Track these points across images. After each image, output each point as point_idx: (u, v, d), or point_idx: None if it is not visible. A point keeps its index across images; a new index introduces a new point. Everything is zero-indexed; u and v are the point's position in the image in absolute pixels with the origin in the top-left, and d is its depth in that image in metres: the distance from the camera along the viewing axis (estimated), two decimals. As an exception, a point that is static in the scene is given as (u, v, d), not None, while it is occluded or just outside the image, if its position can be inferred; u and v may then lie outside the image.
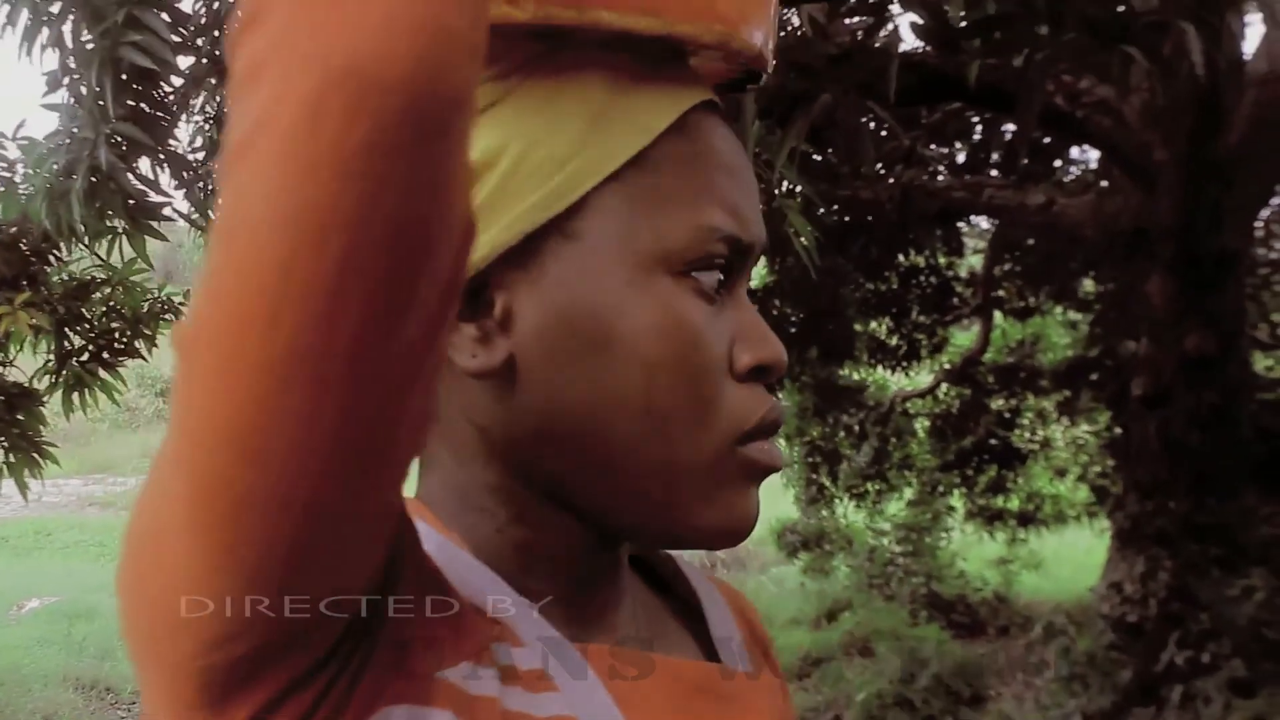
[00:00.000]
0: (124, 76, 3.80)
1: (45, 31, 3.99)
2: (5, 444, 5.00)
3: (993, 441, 10.11)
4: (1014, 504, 10.58)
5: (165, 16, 3.62)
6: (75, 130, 4.07)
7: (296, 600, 0.56)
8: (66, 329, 5.21)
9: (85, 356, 5.22)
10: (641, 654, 0.77)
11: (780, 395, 8.64)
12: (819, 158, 5.94)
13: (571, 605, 0.76)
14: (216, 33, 3.93)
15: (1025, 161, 7.44)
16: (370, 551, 0.59)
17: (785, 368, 0.75)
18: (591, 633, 0.76)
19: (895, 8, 3.47)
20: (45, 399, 5.21)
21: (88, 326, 5.31)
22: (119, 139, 3.93)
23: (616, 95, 0.71)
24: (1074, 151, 8.17)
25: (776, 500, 11.70)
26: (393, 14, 0.49)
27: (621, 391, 0.70)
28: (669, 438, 0.71)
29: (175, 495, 0.54)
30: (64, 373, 5.16)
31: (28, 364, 5.33)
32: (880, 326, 9.31)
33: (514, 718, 0.68)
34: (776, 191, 3.62)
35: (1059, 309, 9.89)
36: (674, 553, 0.92)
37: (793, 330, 7.88)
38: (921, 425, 10.67)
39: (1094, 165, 8.16)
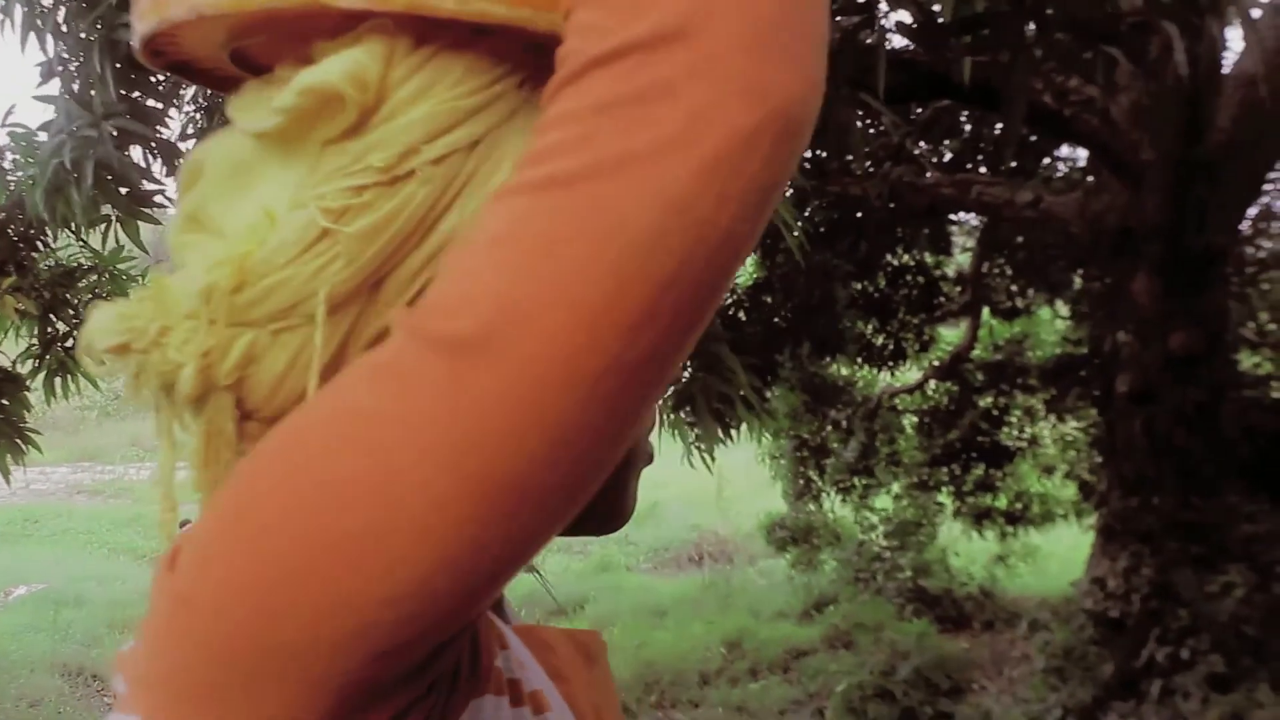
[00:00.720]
0: (118, 65, 3.82)
1: (39, 23, 4.01)
2: (-11, 429, 5.02)
3: (980, 439, 10.14)
4: (1002, 503, 10.61)
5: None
6: (74, 125, 4.07)
7: (480, 603, 0.59)
8: (52, 314, 5.22)
9: (69, 342, 5.24)
10: (547, 628, 0.85)
11: (772, 390, 8.66)
12: (808, 153, 5.96)
13: None
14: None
15: (1014, 163, 7.46)
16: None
17: None
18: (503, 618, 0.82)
19: (883, 5, 3.49)
20: (30, 385, 5.23)
21: (72, 313, 5.32)
22: (120, 130, 3.96)
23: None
24: (1062, 149, 8.20)
25: (765, 494, 11.73)
26: (813, 74, 0.56)
27: None
28: None
29: (435, 490, 0.54)
30: (47, 358, 5.17)
31: (10, 350, 5.35)
32: (867, 326, 9.33)
33: (530, 698, 0.74)
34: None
35: (1046, 307, 9.91)
36: None
37: (783, 326, 7.90)
38: (909, 422, 10.69)
39: (1082, 163, 8.19)
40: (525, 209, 0.55)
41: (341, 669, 0.56)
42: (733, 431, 4.13)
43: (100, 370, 0.68)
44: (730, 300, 7.21)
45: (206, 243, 0.68)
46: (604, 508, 0.77)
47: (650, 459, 0.83)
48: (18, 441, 4.98)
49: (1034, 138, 7.52)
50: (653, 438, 0.85)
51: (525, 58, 0.68)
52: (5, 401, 5.07)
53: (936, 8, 3.05)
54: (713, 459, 4.13)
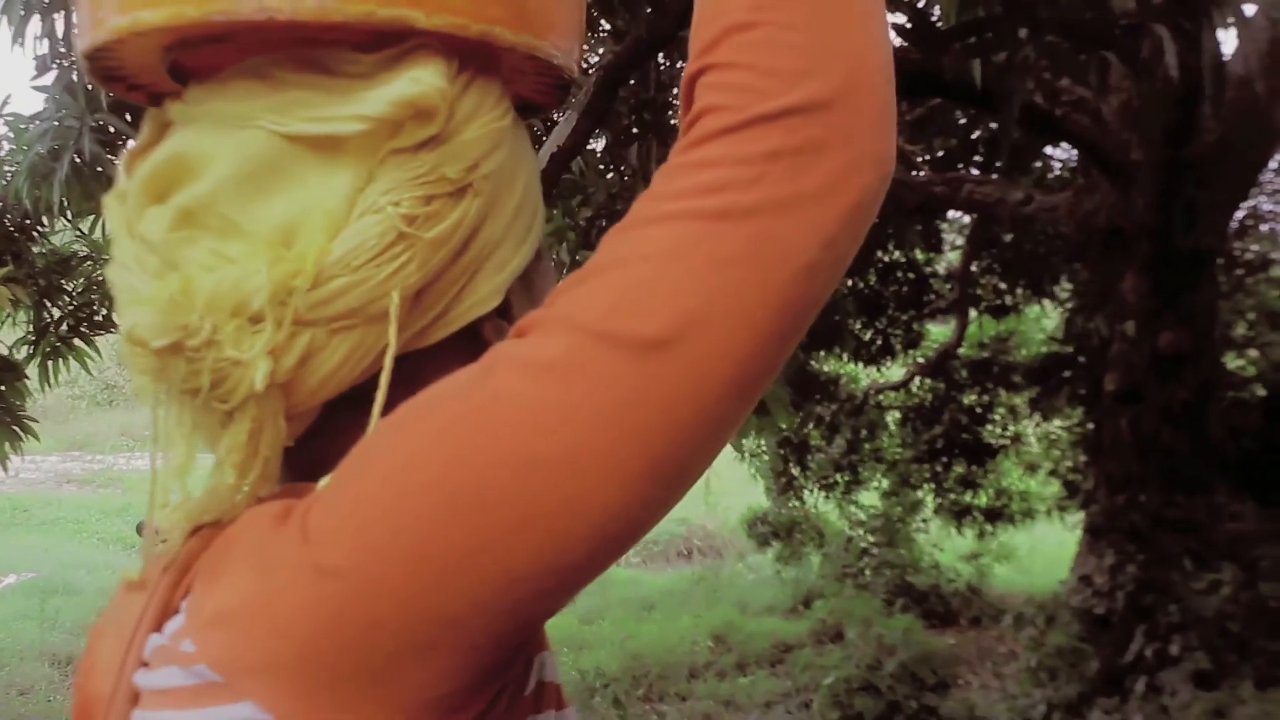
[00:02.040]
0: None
1: (37, 20, 4.02)
2: (-13, 417, 5.02)
3: (964, 436, 10.17)
4: (982, 500, 10.65)
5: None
6: (61, 115, 4.09)
7: (570, 594, 0.66)
8: (46, 301, 5.22)
9: (64, 328, 5.23)
10: None
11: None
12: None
13: None
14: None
15: (1003, 162, 7.48)
16: None
17: None
18: None
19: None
20: (27, 374, 5.23)
21: (67, 299, 5.32)
22: (106, 126, 3.97)
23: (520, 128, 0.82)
24: (1055, 149, 8.23)
25: (747, 490, 11.76)
26: (887, 141, 0.69)
27: None
28: None
29: (626, 475, 0.63)
30: (42, 344, 5.17)
31: (7, 338, 5.35)
32: (856, 323, 9.34)
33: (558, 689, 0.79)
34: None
35: (1035, 305, 9.94)
36: None
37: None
38: (893, 418, 10.72)
39: (1072, 163, 8.22)
40: (699, 233, 0.64)
41: (495, 637, 0.63)
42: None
43: (143, 366, 0.70)
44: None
45: (218, 242, 0.70)
46: None
47: None
48: (15, 429, 4.98)
49: (1025, 137, 7.54)
50: None
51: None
52: (3, 388, 5.08)
53: (933, 13, 3.08)
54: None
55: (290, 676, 0.61)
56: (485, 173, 0.74)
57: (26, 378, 5.23)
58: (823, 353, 9.36)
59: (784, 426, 10.33)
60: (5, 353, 5.28)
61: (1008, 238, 8.93)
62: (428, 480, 0.61)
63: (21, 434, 5.02)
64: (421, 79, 0.71)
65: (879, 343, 9.48)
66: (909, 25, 3.05)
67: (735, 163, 0.64)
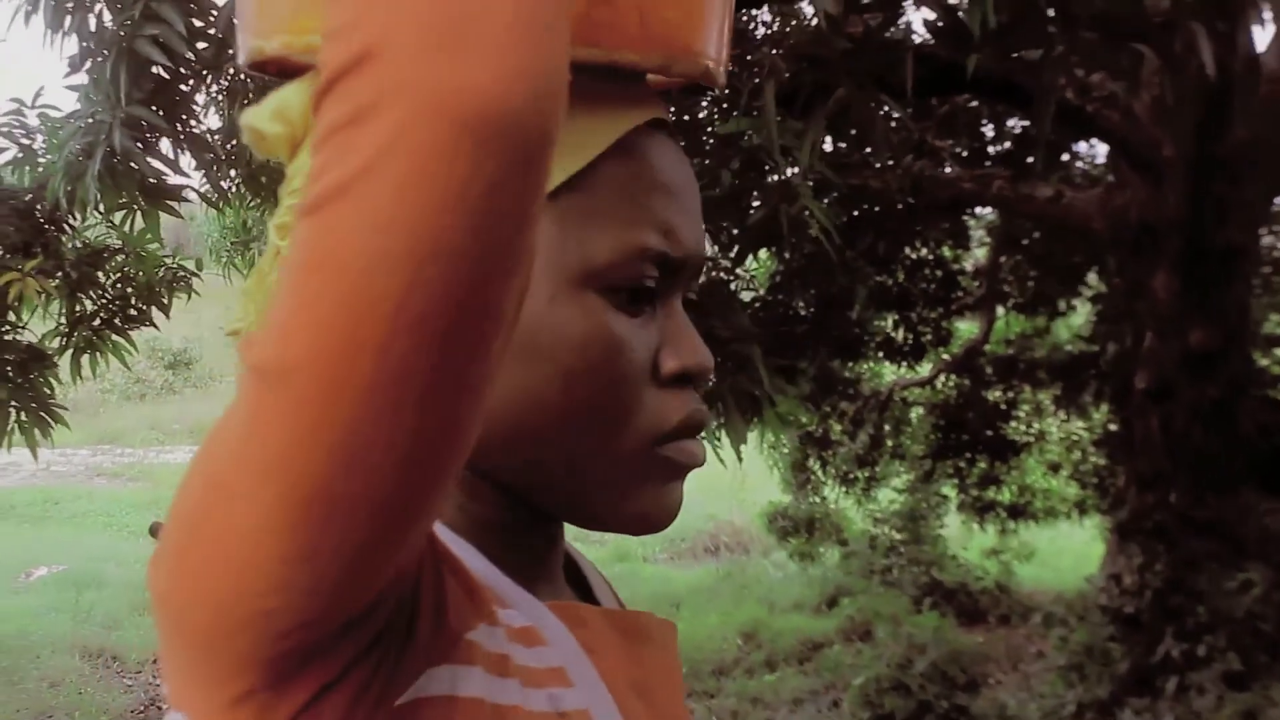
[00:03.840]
0: (143, 64, 3.88)
1: (69, 17, 4.06)
2: (17, 405, 5.05)
3: (988, 433, 10.14)
4: (1005, 496, 10.62)
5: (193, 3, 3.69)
6: (95, 113, 4.13)
7: (362, 589, 0.62)
8: (79, 294, 5.25)
9: (97, 321, 5.27)
10: (586, 606, 0.85)
11: (791, 386, 8.66)
12: (828, 148, 5.98)
13: (526, 569, 0.82)
14: (231, 18, 3.99)
15: (1037, 159, 7.46)
16: (421, 539, 0.67)
17: (709, 372, 0.80)
18: (544, 593, 0.83)
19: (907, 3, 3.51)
20: (56, 361, 5.27)
21: (100, 292, 5.35)
22: (140, 121, 4.00)
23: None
24: (1082, 145, 8.20)
25: (767, 485, 11.76)
26: (516, 64, 0.54)
27: (543, 396, 0.76)
28: (587, 438, 0.77)
29: (259, 502, 0.58)
30: (74, 336, 5.20)
31: (38, 329, 5.38)
32: (886, 321, 9.32)
33: (523, 671, 0.75)
34: (789, 177, 3.66)
35: (1063, 302, 9.91)
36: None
37: (803, 321, 7.89)
38: (916, 414, 10.70)
39: (1102, 159, 8.19)
40: (294, 238, 0.58)
41: (250, 648, 0.62)
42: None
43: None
44: (751, 297, 7.21)
45: None
46: (629, 509, 0.80)
47: (692, 463, 0.82)
48: (44, 416, 5.01)
49: (1055, 133, 7.51)
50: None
51: None
52: (33, 376, 5.11)
53: (955, 4, 3.06)
54: (740, 458, 4.19)
55: (175, 681, 0.69)
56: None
57: (55, 365, 5.26)
58: (846, 361, 9.33)
59: (804, 422, 10.34)
60: (35, 342, 5.32)
61: (1036, 234, 8.90)
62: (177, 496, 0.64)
63: (51, 422, 5.04)
64: (264, 103, 0.71)
65: (910, 342, 9.45)
66: (938, 22, 3.05)
67: (313, 148, 0.57)
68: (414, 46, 0.53)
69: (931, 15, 3.09)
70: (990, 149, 8.00)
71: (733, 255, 5.14)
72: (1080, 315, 10.11)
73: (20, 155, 4.90)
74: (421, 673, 0.69)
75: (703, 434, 0.80)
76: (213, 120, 4.93)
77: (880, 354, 9.50)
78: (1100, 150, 8.11)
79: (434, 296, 0.55)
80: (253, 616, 0.61)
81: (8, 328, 5.25)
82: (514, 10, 0.54)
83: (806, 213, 3.50)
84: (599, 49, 0.73)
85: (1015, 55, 3.12)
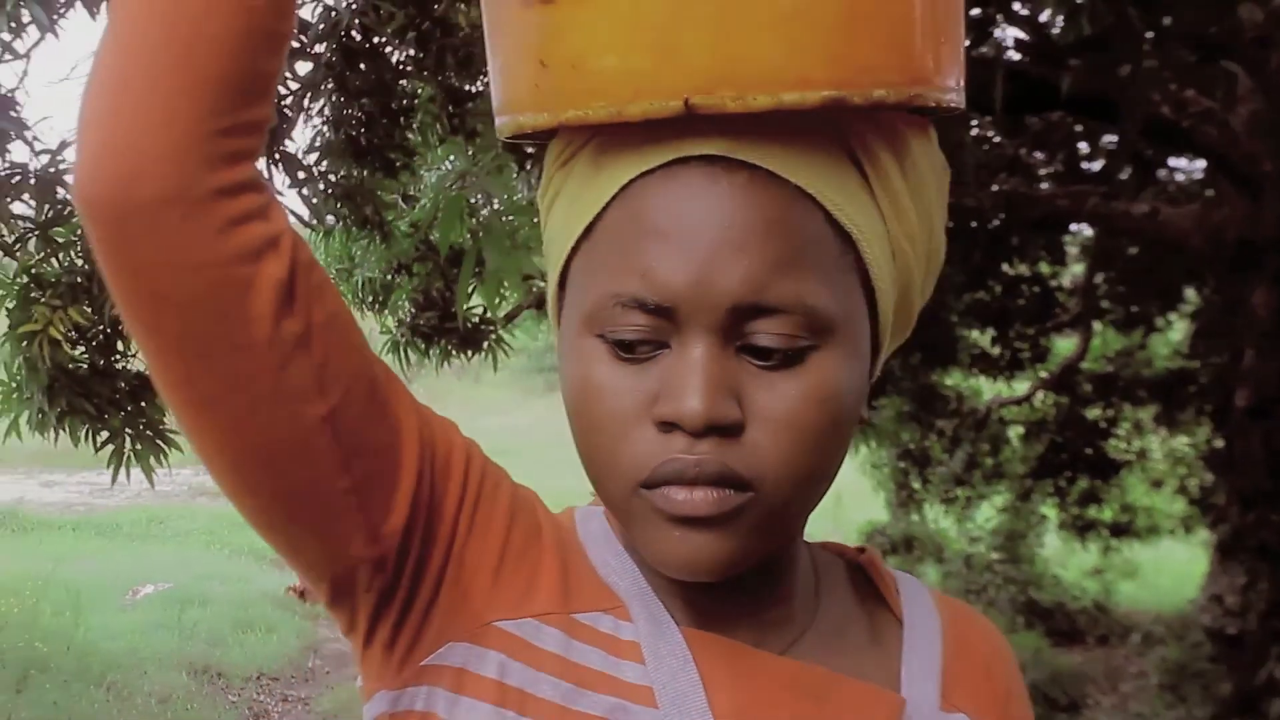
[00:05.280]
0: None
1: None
2: (130, 432, 5.16)
3: (1087, 451, 10.03)
4: (1107, 515, 10.49)
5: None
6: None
7: (311, 551, 0.81)
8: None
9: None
10: (744, 648, 0.85)
11: (879, 400, 8.63)
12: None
13: (695, 603, 0.85)
14: (333, 40, 4.07)
15: (1126, 175, 7.39)
16: (339, 516, 0.79)
17: (692, 421, 0.76)
18: (714, 627, 0.85)
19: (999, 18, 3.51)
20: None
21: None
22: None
23: (594, 172, 0.81)
24: (1180, 161, 8.10)
25: (867, 503, 11.69)
26: (92, 147, 0.70)
27: (573, 437, 0.83)
28: (595, 479, 0.82)
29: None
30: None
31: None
32: (984, 336, 9.26)
33: (580, 671, 0.81)
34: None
35: (1161, 319, 9.79)
36: (902, 573, 0.98)
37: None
38: (1015, 433, 10.61)
39: (1199, 175, 8.09)
40: None
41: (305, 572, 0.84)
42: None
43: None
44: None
45: None
46: (648, 552, 0.80)
47: (674, 512, 0.78)
48: (159, 443, 5.12)
49: (1151, 149, 7.44)
50: None
51: (577, 133, 0.82)
52: (143, 405, 5.23)
53: (1045, 17, 3.08)
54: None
55: None
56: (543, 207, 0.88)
57: (163, 394, 5.36)
58: (940, 369, 9.28)
59: (904, 438, 10.31)
60: (144, 371, 5.44)
61: (1132, 250, 8.80)
62: None
63: (165, 448, 5.16)
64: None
65: (1007, 357, 9.37)
66: (1029, 40, 3.06)
67: None
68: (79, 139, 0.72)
69: (1023, 34, 3.11)
70: (1085, 166, 7.93)
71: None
72: (1178, 332, 9.98)
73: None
74: (444, 643, 0.81)
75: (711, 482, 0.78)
76: (302, 138, 5.00)
77: (974, 367, 9.44)
78: (1197, 166, 8.01)
79: (141, 326, 0.74)
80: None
81: (117, 356, 5.37)
82: (94, 106, 0.71)
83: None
84: (547, 113, 0.79)
85: (1106, 71, 3.12)
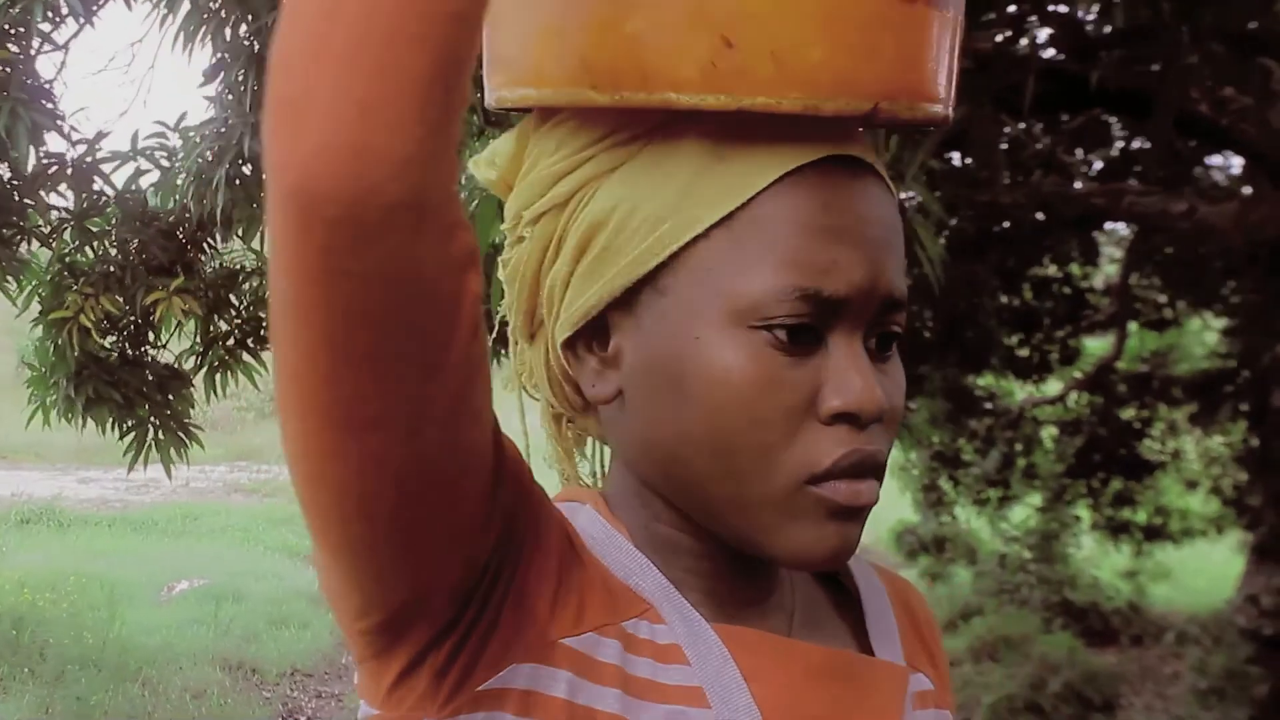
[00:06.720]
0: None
1: (204, 29, 4.18)
2: (156, 423, 5.18)
3: (1121, 451, 9.96)
4: (1141, 516, 10.42)
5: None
6: (227, 119, 4.23)
7: (399, 581, 0.74)
8: (215, 314, 5.36)
9: (231, 341, 5.37)
10: (775, 637, 0.86)
11: (914, 402, 8.60)
12: (957, 164, 5.93)
13: (714, 593, 0.86)
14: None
15: (1160, 170, 7.34)
16: (453, 544, 0.74)
17: (874, 412, 0.78)
18: (733, 617, 0.85)
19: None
20: (193, 382, 5.38)
21: (234, 313, 5.45)
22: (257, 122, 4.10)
23: (715, 160, 0.79)
24: (1217, 158, 8.04)
25: (895, 503, 11.65)
26: (325, 140, 0.61)
27: (695, 432, 0.79)
28: (737, 475, 0.79)
29: (313, 528, 0.74)
30: (209, 356, 5.31)
31: (174, 348, 5.52)
32: (1013, 339, 9.21)
33: (637, 682, 0.80)
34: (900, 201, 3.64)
35: (1196, 319, 9.70)
36: None
37: (928, 337, 7.83)
38: (1048, 433, 10.55)
39: (1237, 172, 8.02)
40: None
41: (347, 622, 0.78)
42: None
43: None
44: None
45: None
46: (785, 544, 0.80)
47: (851, 503, 0.80)
48: (181, 436, 5.13)
49: (1188, 146, 7.38)
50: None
51: (649, 113, 0.79)
52: (170, 397, 5.24)
53: (1083, 14, 3.05)
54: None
55: None
56: (530, 218, 0.83)
57: (193, 387, 5.38)
58: (973, 375, 9.23)
59: (935, 440, 10.27)
60: (173, 363, 5.45)
61: (1169, 249, 8.73)
62: None
63: (187, 441, 5.17)
64: (483, 152, 0.86)
65: (1036, 359, 9.32)
66: (1061, 36, 3.04)
67: None
68: (268, 128, 0.64)
69: (1056, 31, 3.09)
70: (1121, 163, 7.87)
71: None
72: (1214, 331, 9.90)
73: (163, 177, 5.01)
74: (506, 666, 0.77)
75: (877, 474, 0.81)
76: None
77: (1006, 370, 9.39)
78: (1235, 163, 7.95)
79: (291, 332, 0.67)
80: (335, 602, 0.79)
81: (148, 347, 5.39)
82: (331, 95, 0.61)
83: (919, 244, 3.44)
84: (726, 96, 0.76)
85: (1141, 68, 3.10)
